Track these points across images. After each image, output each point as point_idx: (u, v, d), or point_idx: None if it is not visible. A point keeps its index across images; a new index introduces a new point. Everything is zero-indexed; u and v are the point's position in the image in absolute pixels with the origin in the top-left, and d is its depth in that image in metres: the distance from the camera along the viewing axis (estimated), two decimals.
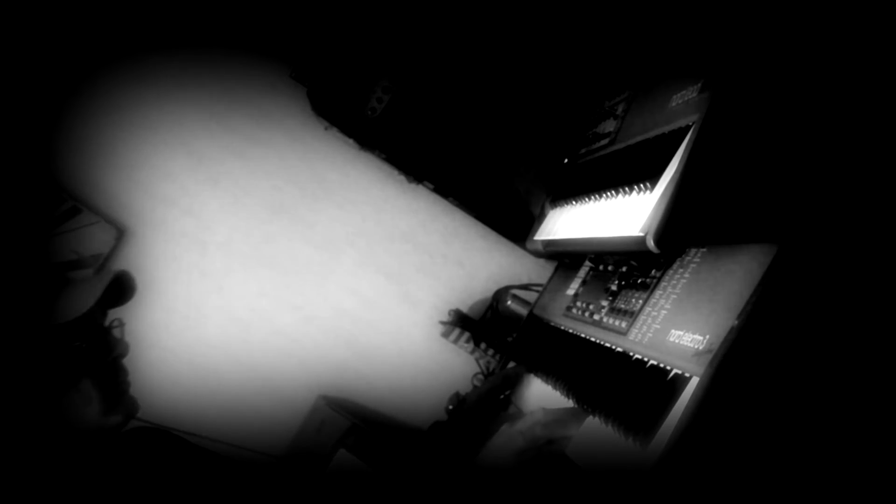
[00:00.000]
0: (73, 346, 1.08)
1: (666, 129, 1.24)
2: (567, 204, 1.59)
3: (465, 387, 2.00)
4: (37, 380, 1.04)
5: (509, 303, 2.16)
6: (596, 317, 1.32)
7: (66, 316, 1.06)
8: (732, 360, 0.89)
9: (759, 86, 1.09)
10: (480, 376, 2.11)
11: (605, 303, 1.32)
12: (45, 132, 2.10)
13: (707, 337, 0.95)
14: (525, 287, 2.18)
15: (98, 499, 1.02)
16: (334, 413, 2.11)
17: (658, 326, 1.09)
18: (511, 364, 1.66)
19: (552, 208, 1.70)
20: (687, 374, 0.96)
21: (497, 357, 2.10)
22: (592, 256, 1.52)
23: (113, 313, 1.18)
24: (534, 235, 1.72)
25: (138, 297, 1.18)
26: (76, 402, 1.08)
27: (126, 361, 1.16)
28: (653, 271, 1.22)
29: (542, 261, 2.05)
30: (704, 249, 1.11)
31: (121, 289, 1.16)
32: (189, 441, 1.24)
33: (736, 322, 0.91)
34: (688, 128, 1.15)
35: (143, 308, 2.09)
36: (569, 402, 1.24)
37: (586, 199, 1.47)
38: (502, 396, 1.51)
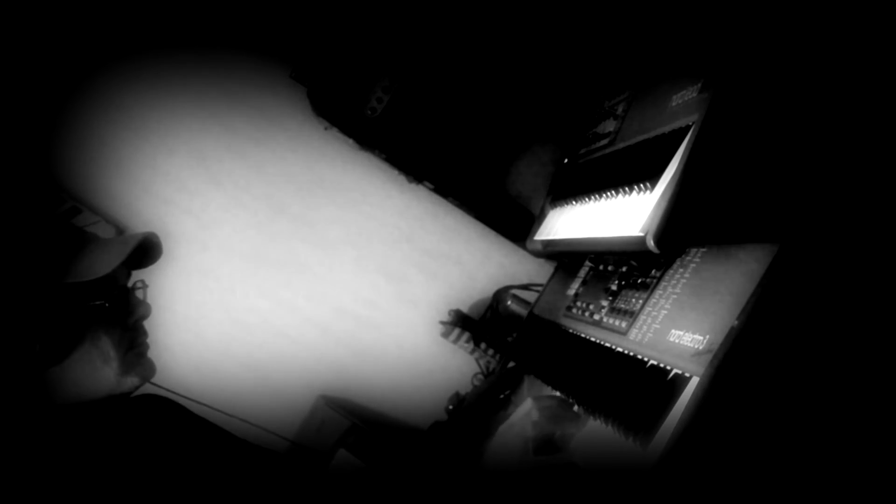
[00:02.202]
0: (95, 305, 1.08)
1: (666, 129, 1.24)
2: (567, 204, 1.59)
3: (465, 387, 2.00)
4: (55, 334, 1.04)
5: (509, 303, 2.16)
6: (596, 317, 1.32)
7: (91, 274, 1.05)
8: (732, 360, 0.89)
9: (759, 86, 1.09)
10: (480, 376, 2.11)
11: (605, 303, 1.32)
12: (46, 132, 2.10)
13: (707, 337, 0.95)
14: (525, 287, 2.18)
15: (101, 459, 1.02)
16: (334, 413, 2.11)
17: (658, 326, 1.09)
18: (511, 364, 1.66)
19: (552, 208, 1.70)
20: (687, 374, 0.96)
21: (497, 357, 2.10)
22: (592, 256, 1.52)
23: (137, 275, 1.17)
24: (534, 235, 1.72)
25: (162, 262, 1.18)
26: (95, 361, 1.08)
27: (147, 324, 1.16)
28: (653, 271, 1.22)
29: (542, 261, 2.05)
30: (704, 249, 1.11)
31: (147, 250, 1.16)
32: (197, 413, 1.24)
33: (736, 322, 0.91)
34: (688, 128, 1.15)
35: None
36: (568, 402, 1.24)
37: (586, 199, 1.48)
38: (502, 396, 1.51)
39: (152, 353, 1.17)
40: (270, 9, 2.11)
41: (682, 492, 0.90)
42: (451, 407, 1.78)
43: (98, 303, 1.08)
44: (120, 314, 1.12)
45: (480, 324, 2.19)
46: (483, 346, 2.11)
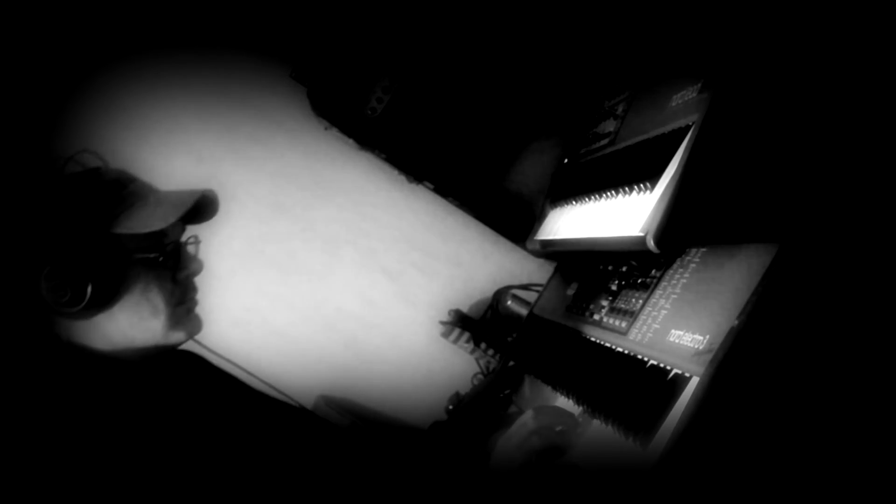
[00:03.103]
0: (149, 258, 1.09)
1: (666, 129, 1.24)
2: (567, 204, 1.59)
3: (465, 387, 1.99)
4: (107, 280, 1.05)
5: (509, 303, 2.16)
6: (596, 317, 1.32)
7: (147, 227, 1.06)
8: (732, 360, 0.89)
9: (759, 86, 1.09)
10: (480, 376, 2.11)
11: (605, 303, 1.32)
12: (45, 132, 2.09)
13: (707, 337, 0.95)
14: (525, 287, 2.18)
15: (132, 410, 1.02)
16: (334, 413, 2.10)
17: (658, 326, 1.09)
18: (511, 364, 1.66)
19: (552, 208, 1.70)
20: (687, 374, 0.96)
21: (497, 357, 2.10)
22: (592, 256, 1.52)
23: (191, 231, 1.19)
24: (534, 235, 1.72)
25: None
26: (143, 312, 1.09)
27: (199, 280, 1.17)
28: (653, 271, 1.22)
29: (542, 261, 2.05)
30: (704, 249, 1.11)
31: (204, 207, 1.16)
32: (231, 374, 1.25)
33: (736, 322, 0.91)
34: (688, 128, 1.15)
35: None
36: (569, 402, 1.24)
37: (586, 199, 1.48)
38: (502, 395, 1.51)
39: (199, 310, 1.18)
40: (270, 9, 2.11)
41: (682, 492, 0.90)
42: (451, 407, 1.78)
43: (152, 255, 1.09)
44: (172, 268, 1.12)
45: (480, 324, 2.18)
46: (483, 346, 2.11)
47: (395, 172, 2.08)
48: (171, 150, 2.17)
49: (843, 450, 0.93)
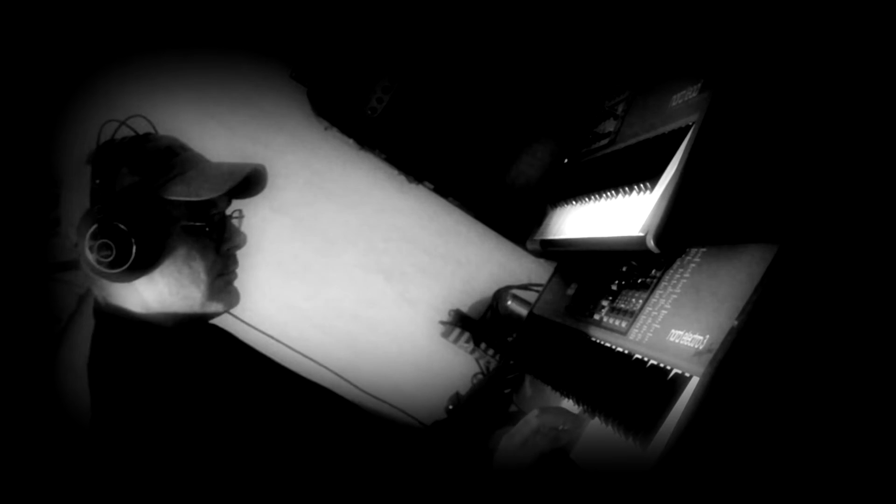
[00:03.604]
0: (196, 227, 1.09)
1: (666, 129, 1.24)
2: (567, 204, 1.59)
3: (465, 387, 2.00)
4: (152, 242, 1.05)
5: (509, 303, 2.16)
6: (596, 316, 1.32)
7: (196, 195, 1.07)
8: (732, 360, 0.89)
9: (759, 86, 1.09)
10: (480, 376, 2.11)
11: (605, 303, 1.32)
12: (46, 132, 2.09)
13: (707, 337, 0.95)
14: (525, 287, 2.18)
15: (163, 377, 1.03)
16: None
17: (658, 326, 1.09)
18: (511, 364, 1.66)
19: (552, 208, 1.70)
20: (687, 374, 0.96)
21: (497, 357, 2.10)
22: (592, 256, 1.52)
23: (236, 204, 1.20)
24: (534, 235, 1.72)
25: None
26: (184, 279, 1.09)
27: (241, 254, 1.17)
28: (653, 271, 1.22)
29: (542, 261, 2.05)
30: (704, 249, 1.11)
31: (253, 182, 1.17)
32: (261, 353, 1.26)
33: (736, 322, 0.91)
34: (688, 128, 1.15)
35: None
36: (569, 402, 1.24)
37: (586, 199, 1.47)
38: (502, 395, 1.51)
39: (239, 284, 1.18)
40: (270, 9, 2.11)
41: (682, 492, 0.90)
42: (451, 407, 1.78)
43: (198, 224, 1.09)
44: (217, 240, 1.12)
45: (480, 324, 2.18)
46: (483, 346, 2.11)
47: (395, 172, 2.08)
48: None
49: (842, 449, 0.93)
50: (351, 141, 1.99)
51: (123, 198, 1.05)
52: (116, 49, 2.10)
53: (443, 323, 2.19)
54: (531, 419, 1.15)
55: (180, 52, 2.12)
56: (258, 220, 2.21)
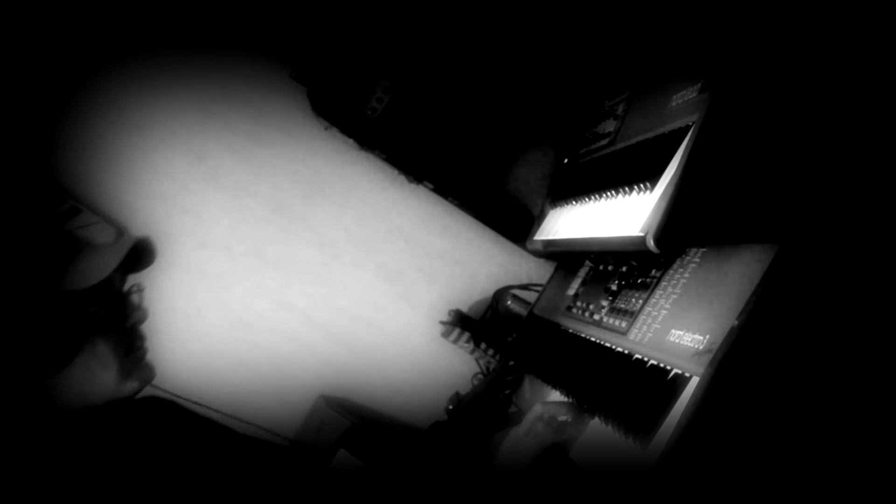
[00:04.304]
0: (91, 312, 1.08)
1: (666, 129, 1.24)
2: (567, 204, 1.59)
3: (465, 387, 1.99)
4: (54, 344, 1.04)
5: (509, 303, 2.16)
6: (596, 317, 1.32)
7: (86, 281, 1.06)
8: (732, 360, 0.89)
9: (759, 86, 1.09)
10: (480, 376, 2.11)
11: (605, 303, 1.32)
12: (46, 132, 2.09)
13: (707, 337, 0.95)
14: (525, 287, 2.18)
15: (105, 464, 1.02)
16: (334, 413, 2.10)
17: (658, 326, 1.09)
18: (511, 364, 1.66)
19: (552, 208, 1.70)
20: (687, 374, 0.96)
21: (497, 357, 2.10)
22: (592, 256, 1.52)
23: (133, 279, 1.18)
24: (534, 235, 1.72)
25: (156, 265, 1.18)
26: (94, 367, 1.08)
27: (144, 327, 1.16)
28: (653, 271, 1.22)
29: (542, 261, 2.05)
30: (704, 249, 1.11)
31: (140, 255, 1.16)
32: (199, 414, 1.24)
33: (736, 322, 0.91)
34: (688, 128, 1.15)
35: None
36: (574, 406, 1.24)
37: (586, 199, 1.47)
38: (502, 395, 1.51)
39: (152, 356, 1.17)
40: (270, 9, 2.11)
41: (682, 492, 0.90)
42: (451, 407, 1.78)
43: (94, 309, 1.08)
44: (116, 319, 1.12)
45: (480, 324, 2.18)
46: (483, 346, 2.11)
47: (395, 172, 2.08)
48: (172, 150, 2.16)
49: (842, 449, 0.93)
50: (351, 141, 1.99)
51: (16, 304, 1.03)
52: (116, 49, 2.10)
53: (443, 323, 2.19)
54: (535, 407, 1.16)
55: (180, 52, 2.12)
56: (258, 221, 2.22)
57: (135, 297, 1.17)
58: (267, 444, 1.29)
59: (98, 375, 1.09)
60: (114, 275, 1.09)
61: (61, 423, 1.05)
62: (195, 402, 1.35)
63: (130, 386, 1.12)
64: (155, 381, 1.15)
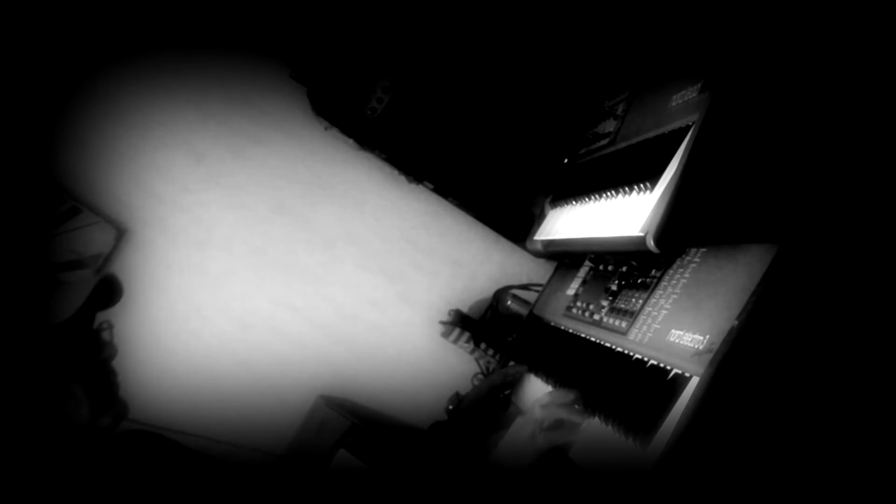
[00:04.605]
0: (60, 350, 1.09)
1: (666, 129, 1.24)
2: (567, 204, 1.59)
3: (465, 387, 1.99)
4: (24, 385, 1.05)
5: (509, 303, 2.16)
6: (596, 317, 1.32)
7: (53, 320, 1.07)
8: (732, 360, 0.89)
9: (759, 86, 1.09)
10: (480, 376, 2.11)
11: (605, 303, 1.32)
12: (45, 132, 2.09)
13: (707, 337, 0.95)
14: (525, 287, 2.18)
15: (87, 502, 1.03)
16: (334, 413, 2.10)
17: (658, 326, 1.09)
18: (511, 364, 1.66)
19: (552, 208, 1.70)
20: (687, 374, 0.96)
21: (497, 357, 2.10)
22: (592, 256, 1.52)
23: (103, 316, 1.18)
24: (534, 235, 1.72)
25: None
26: (66, 405, 1.09)
27: (116, 363, 1.17)
28: (653, 271, 1.22)
29: (542, 261, 2.05)
30: (704, 249, 1.11)
31: (107, 292, 1.16)
32: (181, 443, 1.24)
33: (736, 322, 0.91)
34: (688, 128, 1.15)
35: (142, 308, 2.10)
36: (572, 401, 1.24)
37: (586, 199, 1.47)
38: (502, 396, 1.51)
39: (133, 389, 1.18)
40: (270, 9, 2.11)
41: (682, 492, 0.90)
42: (451, 407, 1.77)
43: (64, 347, 1.09)
44: (87, 357, 1.13)
45: (480, 324, 2.18)
46: (483, 346, 2.11)
47: (395, 172, 2.08)
48: (172, 150, 2.17)
49: (842, 449, 0.93)
50: (351, 141, 1.99)
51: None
52: (116, 49, 2.10)
53: (443, 323, 2.19)
54: (536, 410, 1.16)
55: (180, 52, 2.12)
56: (258, 221, 2.23)
57: (105, 334, 1.17)
58: (251, 468, 1.29)
59: (71, 413, 1.10)
60: (80, 313, 1.10)
61: (34, 465, 1.06)
62: (178, 431, 1.35)
63: (104, 422, 1.13)
64: (134, 415, 1.16)
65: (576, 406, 1.16)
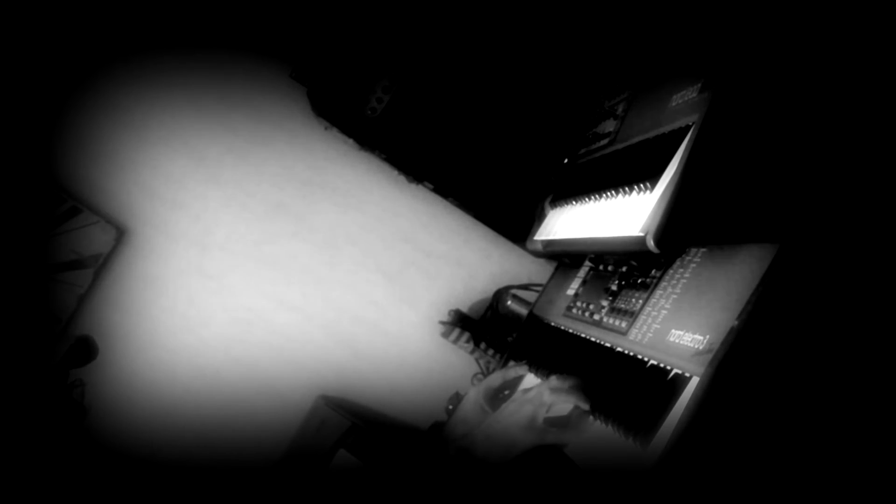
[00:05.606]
0: (32, 407, 1.10)
1: (666, 129, 1.24)
2: (567, 204, 1.59)
3: (465, 387, 1.99)
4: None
5: (509, 303, 2.16)
6: (596, 317, 1.32)
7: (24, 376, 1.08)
8: (732, 360, 0.89)
9: (759, 86, 1.09)
10: (480, 376, 2.11)
11: (605, 303, 1.33)
12: (45, 132, 2.10)
13: (707, 337, 0.95)
14: (525, 287, 2.18)
15: None
16: (334, 413, 2.11)
17: (658, 326, 1.10)
18: (511, 364, 1.66)
19: (552, 208, 1.70)
20: (687, 374, 0.96)
21: (497, 357, 2.10)
22: (592, 256, 1.52)
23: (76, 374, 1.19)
24: (534, 235, 1.72)
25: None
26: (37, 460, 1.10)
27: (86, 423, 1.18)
28: (653, 271, 1.22)
29: (542, 261, 2.05)
30: (704, 249, 1.11)
31: (83, 351, 1.16)
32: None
33: (736, 322, 0.91)
34: (688, 128, 1.15)
35: (142, 308, 2.10)
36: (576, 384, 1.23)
37: (586, 199, 1.47)
38: (502, 396, 1.51)
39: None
40: (270, 9, 2.11)
41: (682, 492, 0.90)
42: (451, 407, 1.78)
43: (35, 405, 1.10)
44: (58, 415, 1.13)
45: (480, 324, 2.18)
46: (483, 346, 2.11)
47: (395, 172, 2.08)
48: (172, 151, 2.17)
49: (842, 449, 0.93)
50: (351, 141, 1.99)
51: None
52: (116, 49, 2.10)
53: (443, 323, 2.19)
54: (544, 392, 1.15)
55: (180, 52, 2.13)
56: (258, 221, 2.23)
57: (76, 392, 1.17)
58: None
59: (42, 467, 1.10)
60: (54, 370, 1.10)
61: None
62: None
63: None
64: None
65: (583, 395, 1.16)
